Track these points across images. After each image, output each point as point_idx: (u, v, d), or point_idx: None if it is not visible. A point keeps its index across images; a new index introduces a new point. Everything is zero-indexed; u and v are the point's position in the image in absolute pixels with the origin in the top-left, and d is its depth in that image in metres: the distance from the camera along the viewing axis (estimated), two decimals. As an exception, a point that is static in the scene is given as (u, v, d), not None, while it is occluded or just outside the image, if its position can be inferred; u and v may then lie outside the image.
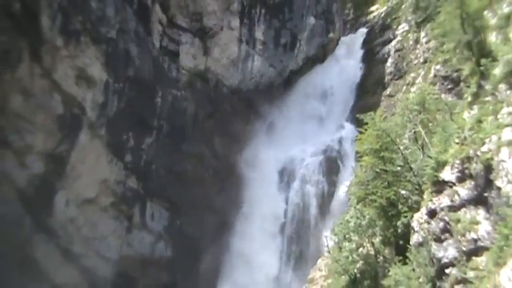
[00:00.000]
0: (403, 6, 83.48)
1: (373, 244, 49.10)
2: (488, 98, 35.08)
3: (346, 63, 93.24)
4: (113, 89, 76.80)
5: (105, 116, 76.10)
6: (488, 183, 33.06)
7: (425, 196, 39.97)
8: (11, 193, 69.56)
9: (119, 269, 76.28)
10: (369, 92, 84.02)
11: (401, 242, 44.35)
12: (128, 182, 77.86)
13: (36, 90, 70.82)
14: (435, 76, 65.70)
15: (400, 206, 45.66)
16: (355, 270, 49.43)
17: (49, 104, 71.86)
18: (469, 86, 38.68)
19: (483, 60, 35.83)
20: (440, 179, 37.65)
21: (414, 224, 40.30)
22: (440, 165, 37.98)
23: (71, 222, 73.69)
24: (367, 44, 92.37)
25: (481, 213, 33.93)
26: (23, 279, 66.96)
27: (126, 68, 78.66)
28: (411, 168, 45.84)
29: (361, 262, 49.35)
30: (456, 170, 36.30)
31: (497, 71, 34.69)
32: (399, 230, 45.39)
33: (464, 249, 34.26)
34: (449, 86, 61.80)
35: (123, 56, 78.56)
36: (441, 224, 36.58)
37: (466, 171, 35.33)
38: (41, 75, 71.31)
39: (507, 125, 32.41)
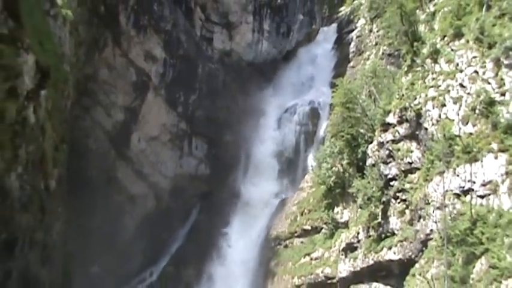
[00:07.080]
0: (362, 6, 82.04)
1: (342, 165, 49.90)
2: (419, 69, 35.87)
3: (324, 46, 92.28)
4: (169, 64, 77.76)
5: (164, 81, 77.28)
6: (419, 125, 34.03)
7: (376, 133, 40.86)
8: (101, 134, 71.70)
9: (173, 183, 77.68)
10: (338, 65, 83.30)
11: (360, 164, 45.14)
12: (179, 125, 78.69)
13: (117, 65, 72.20)
14: (383, 54, 65.04)
15: (359, 140, 46.77)
16: (330, 182, 50.23)
17: (126, 74, 73.23)
18: (405, 60, 39.33)
19: (415, 43, 36.62)
20: (386, 122, 38.56)
21: (369, 151, 41.31)
22: (386, 112, 38.86)
23: (142, 152, 75.38)
24: (338, 32, 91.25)
25: (413, 145, 34.86)
26: (108, 192, 69.50)
27: (177, 50, 79.35)
28: (367, 115, 46.37)
29: (334, 177, 50.05)
30: (397, 116, 37.06)
31: (425, 50, 35.53)
32: (359, 156, 46.17)
33: (402, 169, 35.27)
34: (392, 61, 61.03)
35: (176, 41, 79.22)
36: (386, 151, 37.55)
37: (404, 116, 36.18)
38: (120, 55, 72.51)
39: (431, 86, 33.33)
